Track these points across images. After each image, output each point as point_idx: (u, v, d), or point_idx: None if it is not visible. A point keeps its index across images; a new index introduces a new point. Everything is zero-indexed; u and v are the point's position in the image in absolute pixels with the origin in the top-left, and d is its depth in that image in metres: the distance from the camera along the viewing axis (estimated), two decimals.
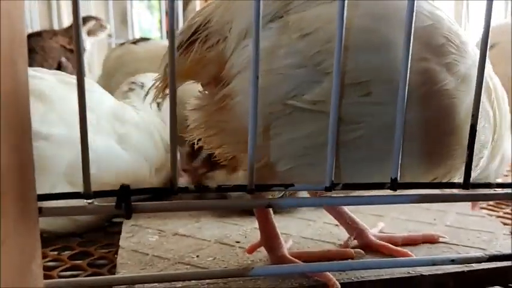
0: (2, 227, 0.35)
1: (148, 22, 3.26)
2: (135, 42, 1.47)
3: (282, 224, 0.77)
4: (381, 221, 0.77)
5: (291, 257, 0.60)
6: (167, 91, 0.60)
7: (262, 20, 0.52)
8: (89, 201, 0.48)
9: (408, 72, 0.47)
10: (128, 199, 0.47)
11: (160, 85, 0.60)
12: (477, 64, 0.48)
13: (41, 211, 0.46)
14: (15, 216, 0.39)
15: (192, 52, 0.55)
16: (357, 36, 0.50)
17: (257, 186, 0.49)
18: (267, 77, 0.50)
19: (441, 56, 0.52)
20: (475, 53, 0.55)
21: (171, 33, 0.44)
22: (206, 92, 0.59)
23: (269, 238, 0.61)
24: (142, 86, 0.97)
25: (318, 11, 0.52)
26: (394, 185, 0.51)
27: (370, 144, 0.51)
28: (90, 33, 1.74)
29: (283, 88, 0.50)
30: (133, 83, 0.99)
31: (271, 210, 0.61)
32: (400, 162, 0.50)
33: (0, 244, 0.34)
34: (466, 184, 0.52)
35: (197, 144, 0.62)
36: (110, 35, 2.00)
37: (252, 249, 0.64)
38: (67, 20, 2.28)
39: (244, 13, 0.54)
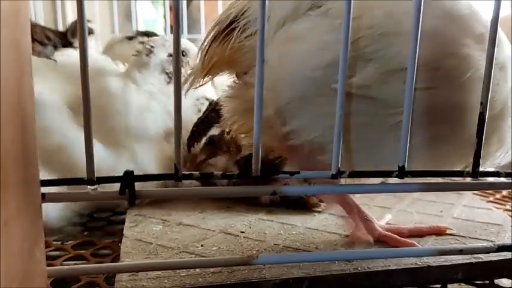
0: (4, 208, 0.34)
1: (152, 17, 3.25)
2: (131, 38, 1.43)
3: (286, 215, 0.76)
4: (387, 213, 0.77)
5: (381, 231, 0.63)
6: (206, 79, 0.63)
7: (299, 9, 0.55)
8: (93, 187, 0.48)
9: (414, 58, 0.46)
10: (132, 185, 0.47)
11: (200, 72, 0.61)
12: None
13: (44, 197, 0.45)
14: (18, 200, 0.38)
15: (230, 41, 0.57)
16: (400, 23, 0.50)
17: (262, 173, 0.48)
18: (310, 51, 0.52)
19: (482, 43, 0.52)
20: (507, 44, 0.56)
21: (176, 28, 0.43)
22: (240, 82, 0.61)
23: (356, 220, 0.65)
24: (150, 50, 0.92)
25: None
26: (402, 173, 0.50)
27: (416, 129, 0.51)
28: (74, 34, 1.70)
29: (325, 62, 0.51)
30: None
31: (352, 197, 0.65)
32: (406, 148, 0.49)
33: (2, 225, 0.34)
34: (475, 173, 0.52)
35: (232, 132, 0.65)
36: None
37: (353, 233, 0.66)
38: (72, 17, 2.26)
39: (282, 2, 0.55)
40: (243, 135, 0.65)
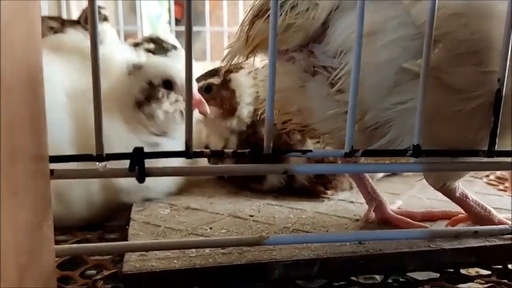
0: (12, 178, 0.33)
1: (157, 12, 3.23)
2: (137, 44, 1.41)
3: (295, 200, 0.75)
4: (398, 198, 0.76)
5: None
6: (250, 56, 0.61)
7: None
8: (102, 164, 0.47)
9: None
10: (142, 162, 0.46)
11: (243, 50, 0.59)
12: None
13: (53, 173, 0.45)
14: (26, 172, 0.37)
15: (279, 18, 0.55)
16: (470, 6, 0.50)
17: (274, 151, 0.47)
18: (384, 49, 0.51)
19: None
20: None
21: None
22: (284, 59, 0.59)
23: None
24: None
25: None
26: (417, 152, 0.49)
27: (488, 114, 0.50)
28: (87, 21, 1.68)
29: (402, 58, 0.51)
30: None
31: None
32: (420, 128, 0.48)
33: (10, 195, 0.33)
34: (491, 152, 0.51)
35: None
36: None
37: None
38: (76, 13, 2.25)
39: None
40: (284, 116, 0.62)
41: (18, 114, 0.35)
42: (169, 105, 0.74)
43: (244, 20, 0.59)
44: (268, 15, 0.54)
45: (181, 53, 1.42)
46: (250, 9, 0.59)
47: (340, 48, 0.54)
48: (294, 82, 0.58)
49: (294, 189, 0.79)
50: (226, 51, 0.62)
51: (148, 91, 0.74)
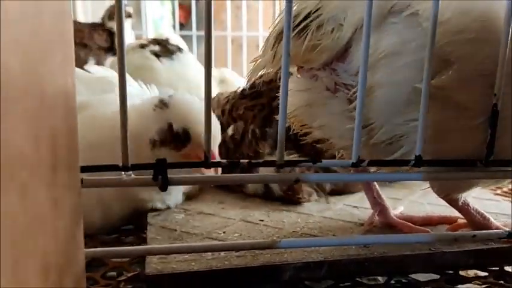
0: (55, 187, 0.37)
1: (159, 13, 3.27)
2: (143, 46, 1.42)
3: (302, 206, 0.79)
4: (400, 204, 0.79)
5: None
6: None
7: (378, 14, 0.55)
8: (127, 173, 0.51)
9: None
10: (165, 172, 0.50)
11: (270, 65, 0.62)
12: None
13: (83, 182, 0.48)
14: (63, 182, 0.41)
15: (306, 38, 0.57)
16: (489, 31, 0.52)
17: (286, 162, 0.51)
18: (401, 70, 0.54)
19: None
20: None
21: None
22: (299, 76, 0.62)
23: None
24: None
25: (447, 1, 0.53)
26: (419, 162, 0.53)
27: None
28: (111, 18, 1.70)
29: (417, 79, 0.53)
30: None
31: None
32: (422, 139, 0.52)
33: (52, 204, 0.37)
34: (488, 162, 0.54)
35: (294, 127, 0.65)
36: None
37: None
38: (83, 18, 2.28)
39: (360, 2, 0.55)
40: (305, 130, 0.65)
41: (58, 128, 0.39)
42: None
43: (270, 34, 0.61)
44: (295, 33, 0.58)
45: (187, 55, 1.45)
46: (277, 24, 0.61)
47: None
48: (316, 99, 0.61)
49: (273, 197, 0.82)
50: (251, 66, 0.64)
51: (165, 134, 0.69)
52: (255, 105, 0.86)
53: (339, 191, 0.84)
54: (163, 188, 0.50)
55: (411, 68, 0.54)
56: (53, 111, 0.38)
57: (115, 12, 0.46)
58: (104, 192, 0.70)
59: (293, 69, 0.63)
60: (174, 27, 2.21)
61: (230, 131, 0.87)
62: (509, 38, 0.50)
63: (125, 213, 0.74)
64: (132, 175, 0.51)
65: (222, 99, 0.94)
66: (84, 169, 0.48)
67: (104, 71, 0.89)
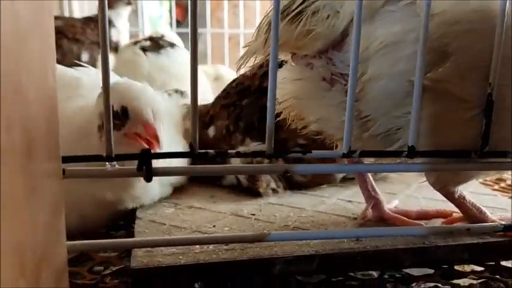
0: (32, 174, 0.36)
1: (157, 11, 3.26)
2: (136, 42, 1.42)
3: (295, 199, 0.77)
4: (395, 198, 0.78)
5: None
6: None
7: (375, 3, 0.55)
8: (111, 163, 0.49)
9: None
10: (149, 162, 0.48)
11: (261, 51, 0.60)
12: None
13: (64, 173, 0.47)
14: (43, 171, 0.39)
15: (299, 23, 0.56)
16: (484, 21, 0.52)
17: (275, 152, 0.49)
18: (400, 62, 0.53)
19: None
20: None
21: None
22: (293, 64, 0.61)
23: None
24: None
25: None
26: (412, 152, 0.51)
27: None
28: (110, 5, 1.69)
29: (414, 71, 0.51)
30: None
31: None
32: (415, 130, 0.50)
33: (31, 190, 0.35)
34: (483, 153, 0.53)
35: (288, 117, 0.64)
36: None
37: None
38: (79, 14, 2.26)
39: None
40: (301, 122, 0.63)
41: (34, 117, 0.38)
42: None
43: (262, 20, 0.60)
44: (289, 18, 0.56)
45: (178, 51, 1.44)
46: (270, 11, 0.59)
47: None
48: (312, 89, 0.59)
49: (240, 189, 0.81)
50: (243, 51, 0.63)
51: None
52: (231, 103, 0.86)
53: (307, 183, 0.83)
54: (148, 179, 0.49)
55: (411, 60, 0.52)
56: (28, 100, 0.36)
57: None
58: (76, 197, 0.66)
59: (287, 56, 0.62)
60: (171, 24, 2.21)
61: (211, 131, 0.88)
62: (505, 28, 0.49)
63: (99, 217, 0.72)
64: (116, 166, 0.49)
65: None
66: (66, 159, 0.47)
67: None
